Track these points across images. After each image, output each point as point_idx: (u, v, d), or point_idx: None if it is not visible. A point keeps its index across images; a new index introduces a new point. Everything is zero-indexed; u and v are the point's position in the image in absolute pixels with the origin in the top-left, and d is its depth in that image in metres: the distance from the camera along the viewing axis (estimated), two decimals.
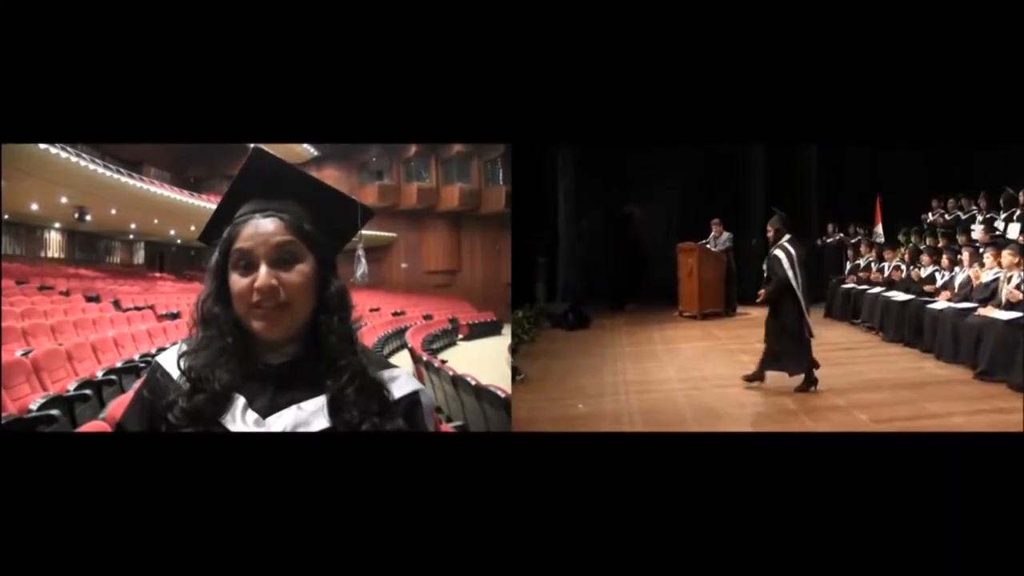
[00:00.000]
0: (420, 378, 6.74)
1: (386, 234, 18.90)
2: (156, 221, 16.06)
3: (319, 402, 1.22)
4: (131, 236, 17.85)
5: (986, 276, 5.31)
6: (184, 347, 1.26)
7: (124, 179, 13.22)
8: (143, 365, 5.97)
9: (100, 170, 12.33)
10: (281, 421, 1.21)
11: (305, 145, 17.58)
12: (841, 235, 8.70)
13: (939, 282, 6.15)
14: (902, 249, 7.23)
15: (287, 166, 1.30)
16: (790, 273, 4.58)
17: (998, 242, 5.76)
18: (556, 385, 5.06)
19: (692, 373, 5.21)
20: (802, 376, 4.54)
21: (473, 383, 5.31)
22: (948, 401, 4.26)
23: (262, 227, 1.21)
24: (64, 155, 11.13)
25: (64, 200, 13.10)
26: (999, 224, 6.61)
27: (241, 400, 1.21)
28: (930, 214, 7.93)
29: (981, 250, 5.63)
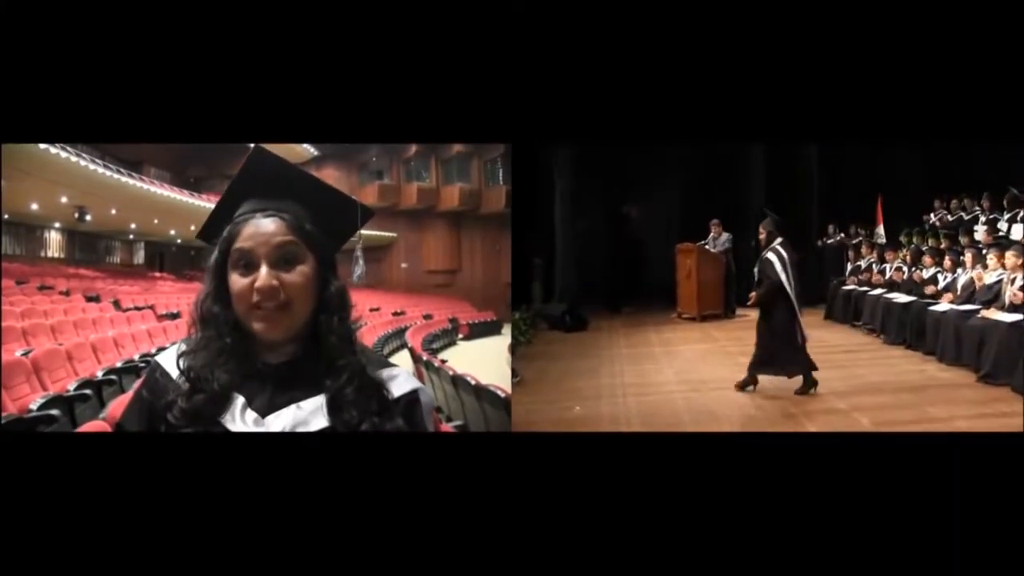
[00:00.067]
0: (420, 378, 6.74)
1: (386, 234, 18.89)
2: (156, 221, 16.06)
3: (318, 401, 1.22)
4: (131, 236, 17.84)
5: (989, 278, 5.25)
6: (183, 347, 1.26)
7: (124, 179, 13.21)
8: (143, 365, 5.97)
9: (100, 170, 12.32)
10: (280, 420, 1.21)
11: (305, 145, 17.57)
12: (842, 236, 8.62)
13: (941, 284, 6.08)
14: (904, 250, 7.16)
15: (288, 165, 1.29)
16: (783, 276, 4.54)
17: (1002, 243, 5.69)
18: (553, 387, 5.03)
19: (691, 375, 5.18)
20: (801, 378, 4.51)
21: (473, 383, 5.31)
22: (951, 405, 4.22)
23: (263, 227, 1.21)
24: (64, 155, 11.13)
25: (64, 200, 13.10)
26: (1003, 225, 6.54)
27: (240, 399, 1.21)
28: (932, 215, 7.85)
29: (984, 251, 5.57)
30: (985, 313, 4.99)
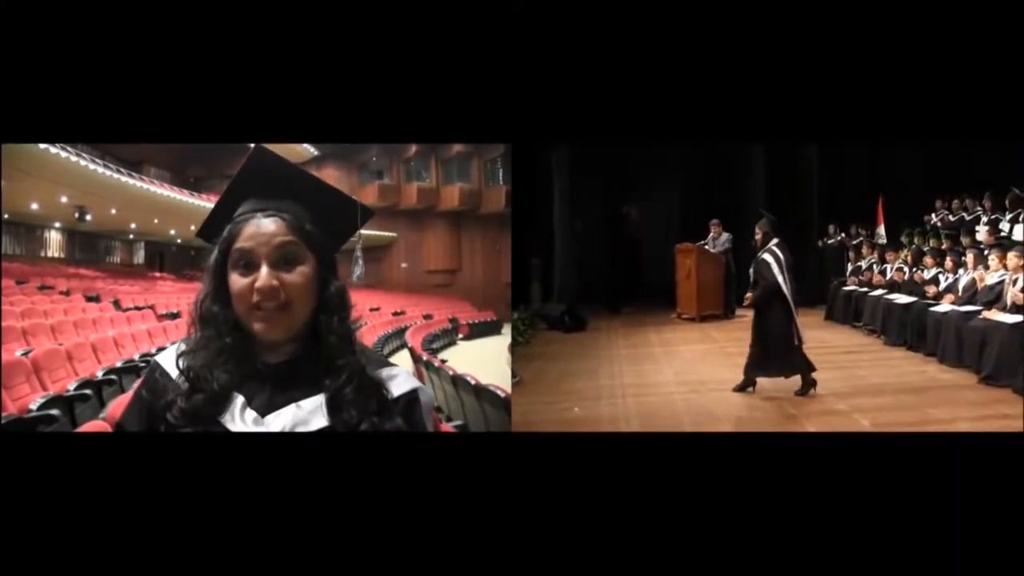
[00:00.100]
0: (420, 377, 6.74)
1: (386, 234, 18.88)
2: (156, 221, 16.05)
3: (318, 401, 1.22)
4: (131, 236, 17.83)
5: (991, 278, 5.20)
6: (183, 347, 1.26)
7: (124, 179, 13.21)
8: (143, 365, 5.96)
9: (100, 170, 12.31)
10: (280, 420, 1.21)
11: (305, 145, 17.57)
12: (842, 236, 8.55)
13: (943, 284, 6.03)
14: (905, 251, 7.10)
15: (288, 165, 1.29)
16: (779, 277, 4.50)
17: (1003, 243, 5.64)
18: (552, 388, 5.00)
19: (690, 376, 5.15)
20: (800, 379, 4.48)
21: (473, 382, 5.31)
22: (952, 406, 4.19)
23: (263, 227, 1.21)
24: (64, 155, 11.12)
25: (64, 200, 13.09)
26: (1004, 225, 6.47)
27: (240, 399, 1.21)
28: (933, 215, 7.79)
29: (986, 252, 5.52)
30: (987, 314, 4.95)
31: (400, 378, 1.28)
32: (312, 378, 1.23)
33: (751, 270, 4.73)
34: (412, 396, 1.27)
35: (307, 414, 1.22)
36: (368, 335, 10.04)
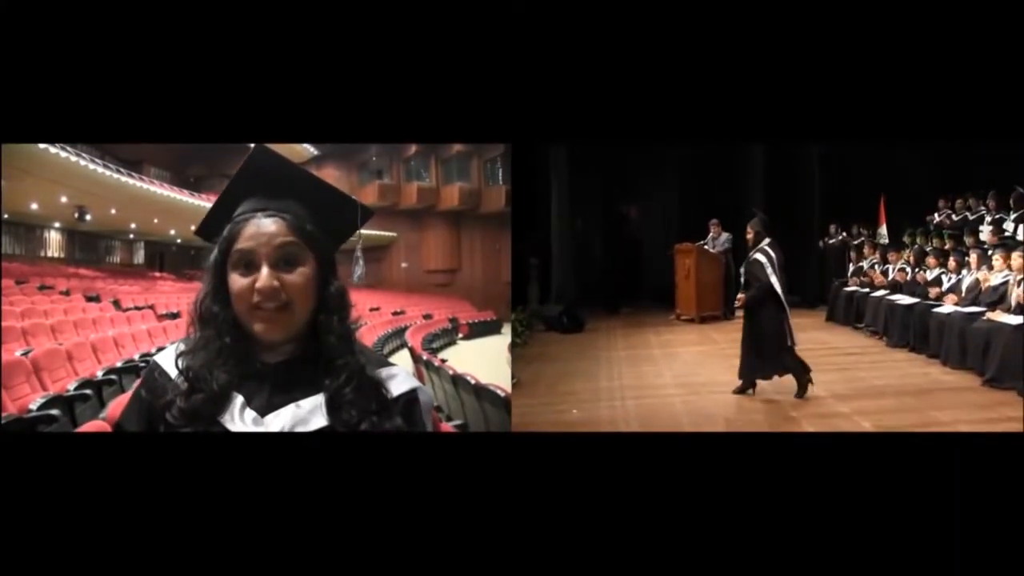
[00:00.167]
0: (420, 377, 6.74)
1: (386, 233, 18.87)
2: (156, 221, 16.04)
3: (317, 400, 1.22)
4: (131, 236, 17.83)
5: (995, 279, 5.13)
6: (182, 347, 1.26)
7: (124, 179, 13.20)
8: (143, 365, 5.96)
9: (100, 170, 12.31)
10: (279, 420, 1.21)
11: (305, 145, 17.57)
12: (844, 236, 8.46)
13: (945, 285, 5.94)
14: (907, 251, 7.02)
15: (288, 164, 1.29)
16: (772, 277, 4.43)
17: (1007, 243, 5.54)
18: (550, 390, 4.97)
19: (690, 378, 5.11)
20: (794, 380, 4.45)
21: (473, 382, 5.30)
22: (955, 409, 4.15)
23: (264, 227, 1.20)
24: (64, 155, 11.12)
25: (64, 200, 13.09)
26: (1008, 225, 6.39)
27: (239, 399, 1.21)
28: (936, 214, 7.69)
29: (990, 252, 5.45)
30: (990, 315, 4.88)
31: (399, 378, 1.28)
32: (311, 378, 1.23)
33: (742, 270, 4.67)
34: (411, 396, 1.27)
35: (307, 414, 1.22)
36: (368, 335, 10.05)
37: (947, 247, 6.45)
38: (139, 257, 18.56)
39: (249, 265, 1.19)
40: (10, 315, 6.74)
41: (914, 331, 5.80)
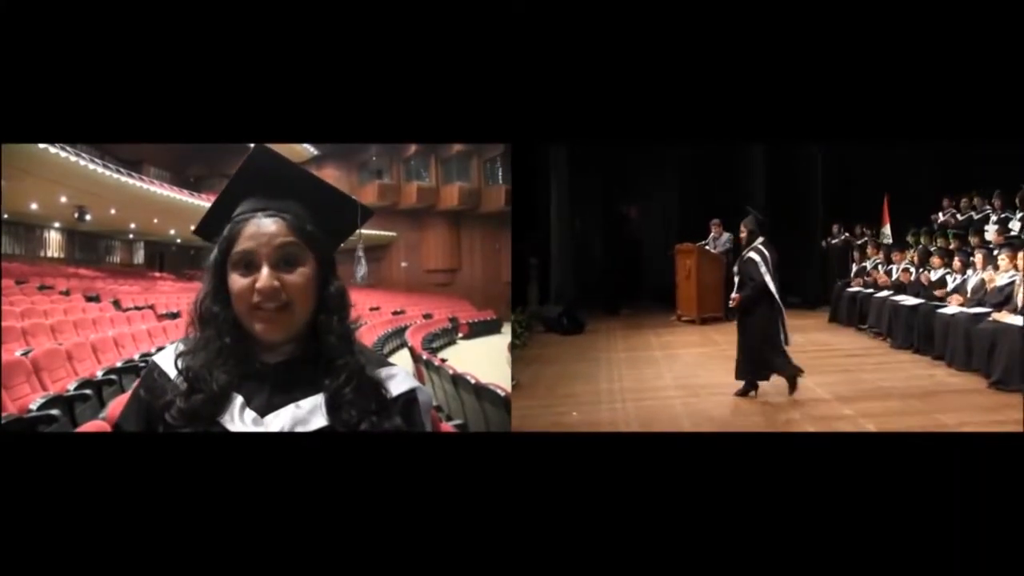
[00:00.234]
0: (420, 377, 6.74)
1: (386, 233, 18.88)
2: (156, 221, 16.05)
3: (317, 401, 1.22)
4: (131, 236, 17.84)
5: (1000, 279, 5.08)
6: (181, 347, 1.26)
7: (124, 179, 13.21)
8: (143, 365, 5.95)
9: (100, 170, 12.31)
10: (279, 420, 1.21)
11: (305, 144, 17.57)
12: (847, 236, 8.35)
13: (950, 285, 5.85)
14: (911, 251, 6.93)
15: (288, 163, 1.29)
16: (767, 276, 4.38)
17: (1013, 243, 5.53)
18: (549, 392, 4.93)
19: (691, 380, 5.07)
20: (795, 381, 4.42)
21: (473, 381, 5.30)
22: (960, 411, 4.10)
23: (264, 227, 1.20)
24: (64, 155, 11.12)
25: (64, 200, 13.10)
26: (1014, 224, 6.33)
27: (239, 399, 1.21)
28: (941, 214, 7.59)
29: (995, 252, 5.38)
30: (996, 316, 4.82)
31: (399, 378, 1.28)
32: (311, 378, 1.23)
33: (735, 269, 4.61)
34: (410, 396, 1.27)
35: (306, 414, 1.22)
36: (368, 334, 10.05)
37: (952, 247, 6.36)
38: (139, 257, 18.57)
39: (249, 265, 1.19)
40: (10, 315, 6.74)
41: (918, 332, 5.73)
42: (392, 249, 19.59)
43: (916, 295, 6.19)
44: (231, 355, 1.21)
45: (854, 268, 7.79)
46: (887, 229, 7.74)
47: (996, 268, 5.23)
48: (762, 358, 4.42)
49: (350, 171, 19.46)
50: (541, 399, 4.76)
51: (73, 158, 11.39)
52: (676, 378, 5.21)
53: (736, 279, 4.57)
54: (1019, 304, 4.76)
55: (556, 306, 7.49)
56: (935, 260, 6.28)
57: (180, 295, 12.51)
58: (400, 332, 12.49)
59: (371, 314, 13.87)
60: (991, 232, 6.23)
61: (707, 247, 7.57)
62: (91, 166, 12.02)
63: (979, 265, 5.54)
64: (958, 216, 7.36)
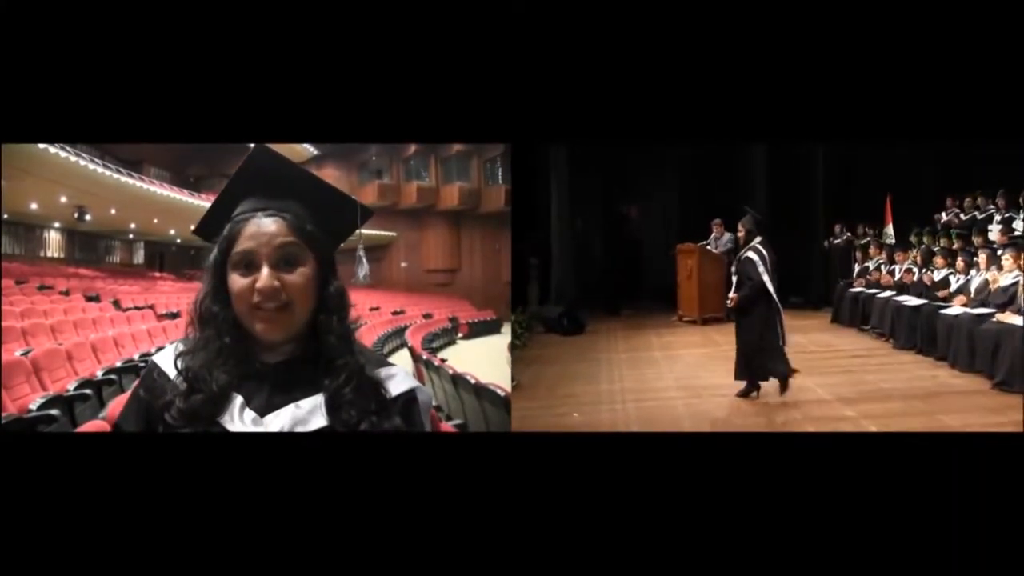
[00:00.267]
0: (420, 377, 6.74)
1: (386, 233, 18.89)
2: (156, 221, 16.06)
3: (317, 401, 1.22)
4: (131, 236, 17.85)
5: (1004, 280, 5.04)
6: (181, 347, 1.26)
7: (124, 179, 13.21)
8: (143, 365, 5.94)
9: (100, 170, 12.32)
10: (279, 420, 1.21)
11: (305, 144, 17.58)
12: (849, 236, 8.29)
13: (954, 286, 5.81)
14: (914, 251, 6.88)
15: (288, 163, 1.29)
16: (765, 276, 4.36)
17: (1018, 243, 5.47)
18: (549, 393, 4.92)
19: (692, 381, 5.05)
20: (792, 382, 4.40)
21: (473, 381, 5.30)
22: (964, 413, 4.08)
23: (264, 227, 1.20)
24: (64, 155, 11.12)
25: (64, 200, 13.10)
26: (1019, 224, 6.27)
27: (239, 399, 1.21)
28: (944, 214, 7.53)
29: (999, 252, 5.33)
30: (1000, 317, 4.78)
31: (398, 377, 1.28)
32: (311, 378, 1.23)
33: (732, 269, 4.59)
34: (410, 396, 1.27)
35: (306, 414, 1.22)
36: (368, 334, 10.05)
37: (955, 247, 6.31)
38: (139, 257, 18.58)
39: (249, 265, 1.19)
40: (10, 315, 6.74)
41: (921, 333, 5.69)
42: (392, 249, 19.60)
43: (919, 295, 6.15)
44: (231, 355, 1.21)
45: (856, 268, 7.75)
46: (890, 229, 7.67)
47: (1000, 268, 5.19)
48: (760, 359, 4.41)
49: (350, 171, 19.47)
50: (542, 400, 4.74)
51: (73, 158, 11.39)
52: (677, 379, 5.19)
53: (734, 279, 4.55)
54: (1023, 305, 4.72)
55: (557, 306, 7.47)
56: (938, 260, 6.25)
57: (180, 295, 12.51)
58: (400, 332, 12.50)
59: (371, 314, 13.88)
60: (995, 232, 6.16)
61: (708, 247, 7.54)
62: (91, 166, 12.02)
63: (983, 265, 5.49)
64: (962, 216, 7.30)
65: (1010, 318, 4.72)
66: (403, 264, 19.66)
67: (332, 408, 1.21)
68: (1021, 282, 4.88)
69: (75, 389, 4.78)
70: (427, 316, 15.52)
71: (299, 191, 1.27)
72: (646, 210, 9.23)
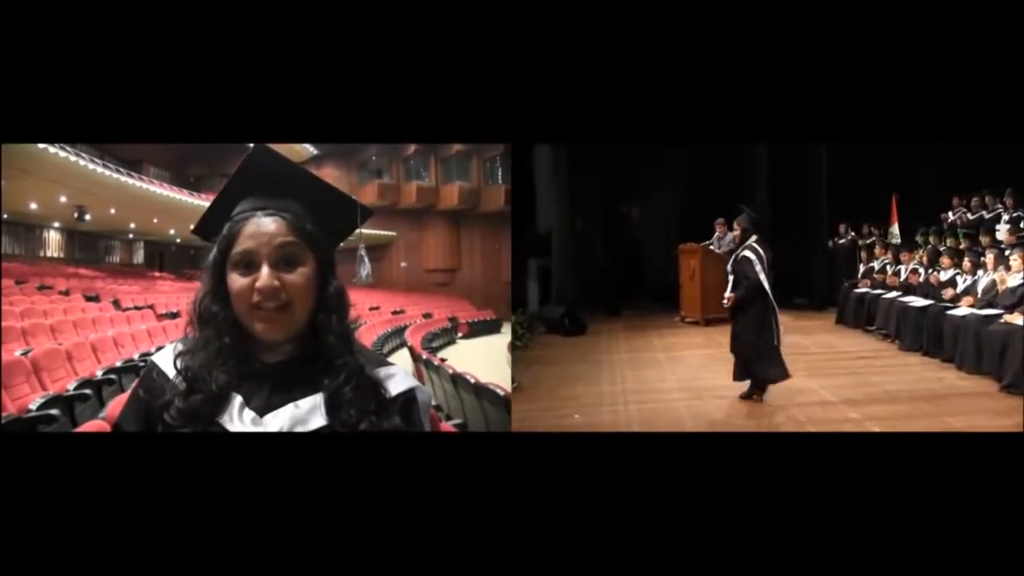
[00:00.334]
0: (420, 376, 6.74)
1: (386, 233, 18.88)
2: (156, 220, 16.06)
3: (316, 400, 1.22)
4: (131, 236, 17.84)
5: (1012, 280, 4.99)
6: (180, 347, 1.26)
7: (124, 179, 13.21)
8: (143, 365, 5.94)
9: (100, 170, 12.32)
10: (278, 420, 1.21)
11: (305, 144, 17.58)
12: (854, 236, 8.22)
13: (960, 286, 5.72)
14: (920, 251, 6.78)
15: (288, 163, 1.29)
16: (762, 275, 4.32)
17: None
18: (550, 394, 4.89)
19: (695, 382, 5.01)
20: (793, 383, 4.38)
21: (472, 381, 5.30)
22: (971, 415, 4.04)
23: (264, 227, 1.20)
24: (64, 155, 11.12)
25: (64, 200, 13.10)
26: None
27: (238, 399, 1.21)
28: (951, 213, 7.41)
29: (1007, 252, 5.27)
30: (1008, 318, 4.73)
31: (398, 377, 1.28)
32: (310, 378, 1.23)
33: (728, 268, 4.56)
34: (409, 395, 1.27)
35: (305, 414, 1.22)
36: (367, 334, 10.06)
37: (962, 247, 6.24)
38: (139, 257, 18.58)
39: (249, 265, 1.19)
40: (10, 315, 6.74)
41: (927, 334, 5.62)
42: (392, 249, 19.59)
43: (925, 296, 6.08)
44: (230, 355, 1.21)
45: (861, 268, 7.67)
46: (895, 229, 7.58)
47: (1008, 269, 5.14)
48: (757, 361, 4.38)
49: (350, 171, 19.46)
50: (542, 401, 4.72)
51: (73, 158, 11.39)
52: (680, 380, 5.15)
53: (730, 278, 4.52)
54: None
55: (557, 307, 7.45)
56: (945, 260, 6.17)
57: (180, 295, 12.51)
58: (400, 332, 12.50)
59: (371, 314, 13.88)
60: (1003, 232, 6.09)
61: (711, 247, 7.50)
62: (91, 166, 12.02)
63: (990, 266, 5.44)
64: (968, 215, 7.21)
65: (1018, 319, 4.66)
66: (403, 264, 19.66)
67: (331, 408, 1.21)
68: None
69: (75, 389, 4.78)
70: (427, 316, 15.52)
71: (299, 191, 1.27)
72: (647, 210, 9.21)
